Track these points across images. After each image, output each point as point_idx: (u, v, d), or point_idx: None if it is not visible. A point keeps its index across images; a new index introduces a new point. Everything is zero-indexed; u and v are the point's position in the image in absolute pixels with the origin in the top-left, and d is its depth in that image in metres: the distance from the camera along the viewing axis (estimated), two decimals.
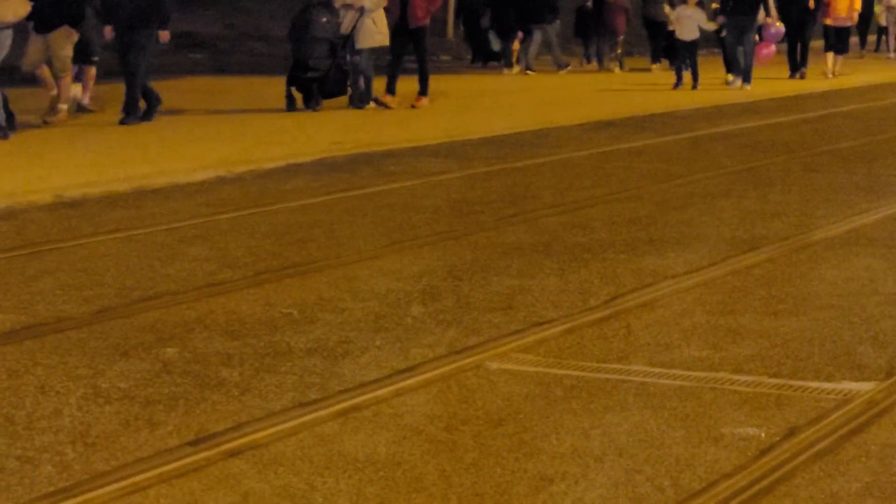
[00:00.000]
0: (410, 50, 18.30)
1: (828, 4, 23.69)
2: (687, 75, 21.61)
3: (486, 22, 25.67)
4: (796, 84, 23.03)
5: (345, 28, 17.43)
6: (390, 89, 18.06)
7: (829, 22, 23.83)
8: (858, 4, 24.25)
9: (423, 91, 18.37)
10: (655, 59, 26.00)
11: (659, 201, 10.97)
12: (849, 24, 24.14)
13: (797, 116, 18.10)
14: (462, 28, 27.74)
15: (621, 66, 25.77)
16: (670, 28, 26.25)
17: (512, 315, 7.19)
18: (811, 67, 24.12)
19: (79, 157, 13.12)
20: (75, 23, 15.44)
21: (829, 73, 24.07)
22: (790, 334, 6.84)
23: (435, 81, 18.98)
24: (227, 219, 10.10)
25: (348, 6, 17.45)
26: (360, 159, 13.30)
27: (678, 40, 22.03)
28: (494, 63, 25.90)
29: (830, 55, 24.18)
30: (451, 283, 7.93)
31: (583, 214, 10.29)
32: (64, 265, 8.42)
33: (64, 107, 15.69)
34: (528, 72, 24.84)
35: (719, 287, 7.93)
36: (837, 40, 24.02)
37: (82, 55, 16.12)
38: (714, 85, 22.15)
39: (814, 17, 23.70)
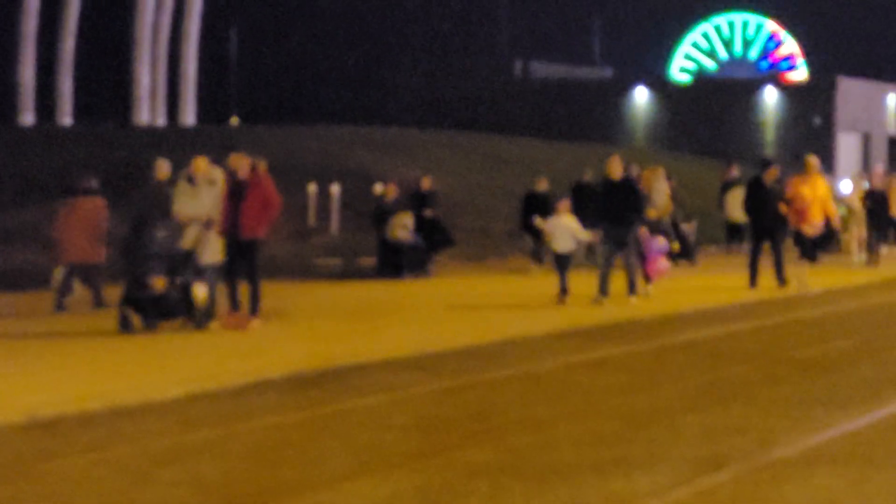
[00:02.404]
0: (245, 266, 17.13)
1: (799, 212, 23.09)
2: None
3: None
4: (754, 291, 23.14)
5: (186, 243, 16.82)
6: (234, 306, 17.15)
7: (806, 230, 23.19)
8: (832, 210, 23.95)
9: (254, 310, 17.15)
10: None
11: (624, 417, 11.15)
12: (821, 231, 23.69)
13: (757, 323, 18.37)
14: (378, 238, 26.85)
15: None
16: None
17: None
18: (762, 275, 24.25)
19: (51, 371, 13.28)
20: None
21: (802, 283, 23.01)
22: None
23: (393, 287, 19.04)
24: (200, 439, 10.24)
25: (192, 219, 16.95)
26: (331, 374, 13.47)
27: (553, 253, 20.99)
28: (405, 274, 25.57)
29: (805, 264, 23.34)
30: None
31: (549, 432, 10.46)
32: (36, 492, 8.51)
33: None
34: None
35: None
36: (811, 248, 23.52)
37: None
38: (668, 291, 22.52)
39: (785, 224, 23.15)
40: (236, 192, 17.04)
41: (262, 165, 17.95)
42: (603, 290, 20.35)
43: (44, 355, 14.60)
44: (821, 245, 24.36)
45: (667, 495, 8.43)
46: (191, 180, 17.35)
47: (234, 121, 62.16)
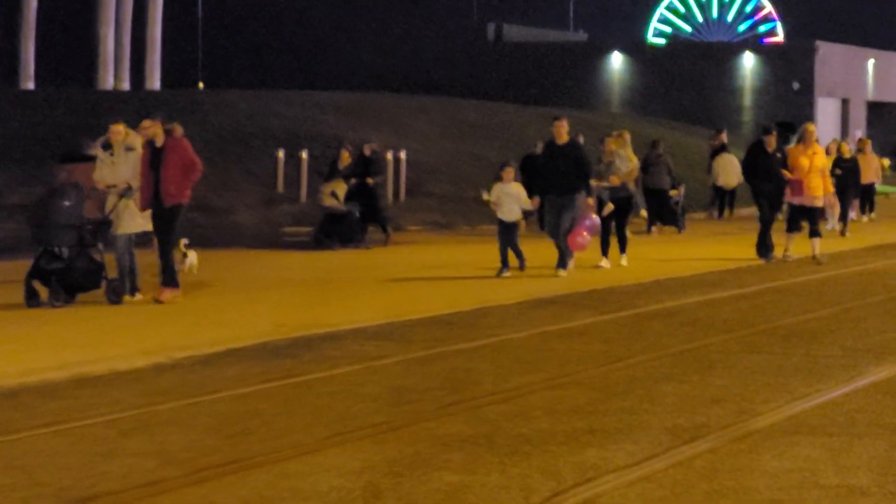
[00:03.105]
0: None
1: (794, 182, 22.33)
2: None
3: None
4: (735, 258, 23.12)
5: (105, 211, 16.26)
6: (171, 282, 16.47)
7: (797, 202, 22.49)
8: (829, 182, 22.98)
9: (167, 282, 16.45)
10: (652, 224, 29.19)
11: (600, 387, 10.98)
12: (821, 203, 22.82)
13: (735, 291, 18.23)
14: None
15: None
16: (671, 194, 29.21)
17: None
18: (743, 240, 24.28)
19: (14, 342, 13.05)
20: None
21: (818, 256, 22.55)
22: None
23: (362, 256, 18.83)
24: (167, 409, 10.02)
25: (111, 187, 16.41)
26: (301, 343, 13.27)
27: (499, 222, 20.21)
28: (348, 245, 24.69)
29: (816, 239, 22.61)
30: (392, 480, 7.88)
31: (523, 402, 10.27)
32: None
33: None
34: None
35: (661, 481, 7.91)
36: (811, 221, 22.55)
37: None
38: (647, 259, 22.38)
39: (782, 193, 22.63)
40: (154, 159, 16.34)
41: (178, 129, 17.37)
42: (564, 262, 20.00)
43: (3, 325, 14.32)
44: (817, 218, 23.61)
45: (643, 466, 8.25)
46: (107, 147, 16.84)
47: (201, 87, 61.81)
